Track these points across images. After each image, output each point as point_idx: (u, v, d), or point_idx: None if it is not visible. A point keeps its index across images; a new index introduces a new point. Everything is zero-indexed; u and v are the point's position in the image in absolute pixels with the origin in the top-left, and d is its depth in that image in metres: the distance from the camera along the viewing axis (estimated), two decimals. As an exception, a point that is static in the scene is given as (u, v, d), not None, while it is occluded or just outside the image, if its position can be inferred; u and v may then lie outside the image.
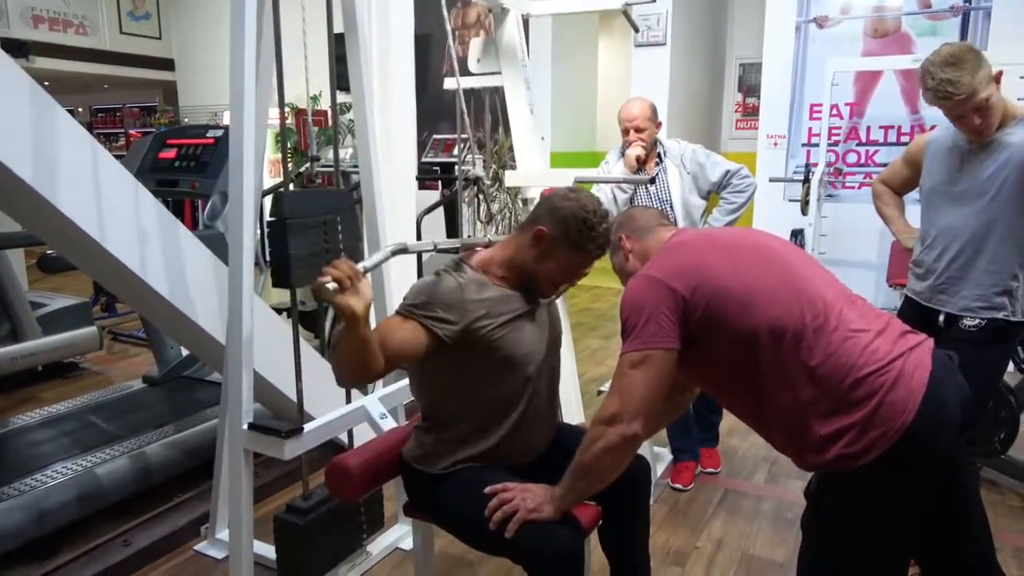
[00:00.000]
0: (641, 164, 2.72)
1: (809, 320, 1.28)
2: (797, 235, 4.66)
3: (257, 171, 2.02)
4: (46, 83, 9.42)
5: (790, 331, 1.27)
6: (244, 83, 1.79)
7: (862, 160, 5.35)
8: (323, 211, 1.95)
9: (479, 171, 2.96)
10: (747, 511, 2.66)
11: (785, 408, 1.29)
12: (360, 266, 1.43)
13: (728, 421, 3.15)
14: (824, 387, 1.26)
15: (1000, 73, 1.81)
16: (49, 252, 3.06)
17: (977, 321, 1.92)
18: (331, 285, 1.35)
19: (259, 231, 7.21)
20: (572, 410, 2.83)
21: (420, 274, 3.46)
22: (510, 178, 3.01)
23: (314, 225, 1.91)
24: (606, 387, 3.36)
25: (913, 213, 2.28)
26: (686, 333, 1.33)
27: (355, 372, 1.47)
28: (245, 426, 1.82)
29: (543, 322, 1.71)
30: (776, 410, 1.31)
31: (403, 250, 1.70)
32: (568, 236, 1.60)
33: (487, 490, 1.52)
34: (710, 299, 1.31)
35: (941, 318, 1.99)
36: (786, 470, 2.98)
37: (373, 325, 1.51)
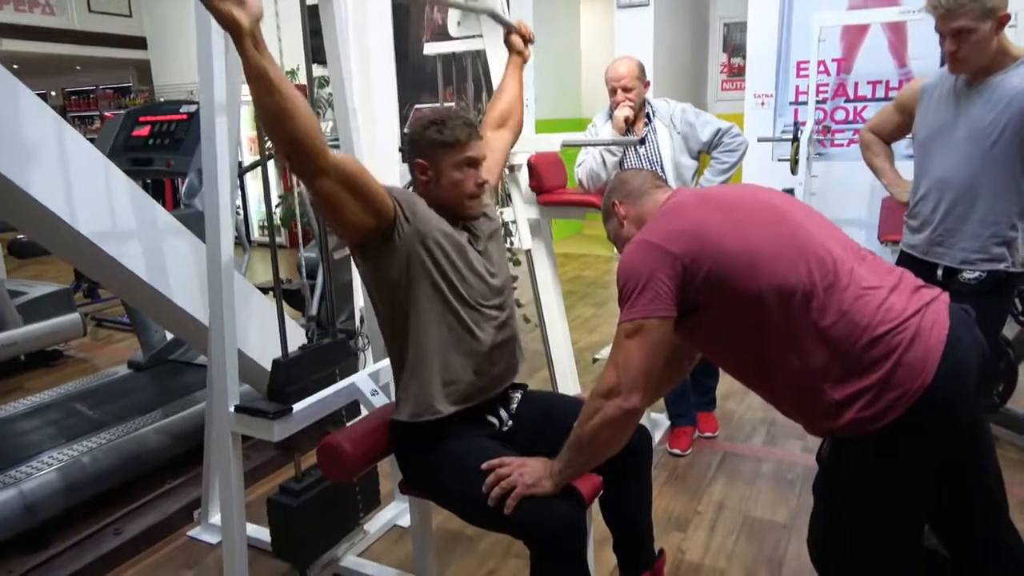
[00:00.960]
0: (630, 125, 2.65)
1: (819, 278, 1.23)
2: (787, 194, 4.60)
3: (232, 147, 1.94)
4: (15, 66, 9.20)
5: (799, 291, 1.22)
6: (212, 58, 1.71)
7: (850, 117, 5.28)
8: (322, 369, 2.00)
9: None
10: (747, 474, 2.64)
11: (795, 373, 1.25)
12: None
13: (725, 384, 3.12)
14: (837, 349, 1.21)
15: (1007, 16, 1.74)
16: (19, 237, 2.96)
17: (977, 274, 1.88)
18: None
19: (243, 210, 7.03)
20: (567, 380, 2.80)
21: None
22: (495, 145, 2.92)
23: (314, 383, 1.94)
24: (602, 354, 3.34)
25: (904, 168, 2.23)
26: (687, 299, 1.28)
27: (277, 123, 1.27)
28: (232, 408, 1.76)
29: (488, 263, 1.65)
30: (786, 375, 1.27)
31: None
32: (430, 143, 1.58)
33: (484, 466, 1.48)
34: (712, 262, 1.26)
35: (939, 272, 1.95)
36: (784, 431, 2.97)
37: None
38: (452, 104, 1.51)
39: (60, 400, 3.07)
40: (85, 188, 1.93)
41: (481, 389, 1.62)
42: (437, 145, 1.58)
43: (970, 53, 1.76)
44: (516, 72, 2.11)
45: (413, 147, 1.61)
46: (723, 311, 1.29)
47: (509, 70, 2.11)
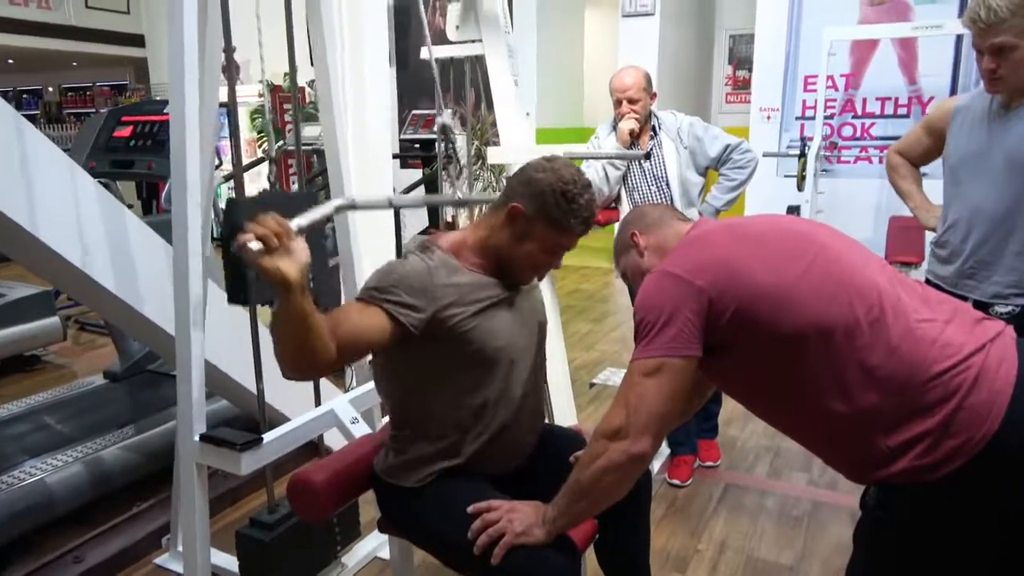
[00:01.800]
0: (635, 138, 2.53)
1: (862, 313, 1.09)
2: (793, 212, 4.49)
3: (205, 150, 1.80)
4: (9, 60, 9.07)
5: (840, 328, 1.09)
6: (184, 54, 1.59)
7: (858, 133, 5.17)
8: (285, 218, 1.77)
9: (446, 119, 2.73)
10: (750, 508, 2.50)
11: (840, 418, 1.11)
12: (293, 224, 1.19)
13: (727, 410, 2.98)
14: (888, 390, 1.07)
15: None
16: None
17: (1010, 308, 1.74)
18: (255, 245, 1.10)
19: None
20: (562, 404, 2.65)
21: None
22: (493, 155, 2.80)
23: None
24: (600, 379, 3.22)
25: (930, 189, 2.10)
26: (713, 338, 1.15)
27: (298, 357, 1.24)
28: (196, 437, 1.61)
29: (524, 311, 1.52)
30: (828, 421, 1.13)
31: (350, 206, 1.47)
32: (547, 212, 1.40)
33: (470, 509, 1.35)
34: (741, 298, 1.12)
35: (971, 307, 1.81)
36: (789, 462, 2.83)
37: None
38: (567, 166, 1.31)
39: (29, 412, 2.91)
40: (47, 192, 1.79)
41: (504, 462, 1.50)
42: (549, 217, 1.40)
43: (1010, 72, 1.62)
44: None
45: (526, 190, 1.41)
46: (755, 352, 1.16)
47: None
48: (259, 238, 1.11)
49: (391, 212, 3.17)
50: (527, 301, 1.55)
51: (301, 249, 1.17)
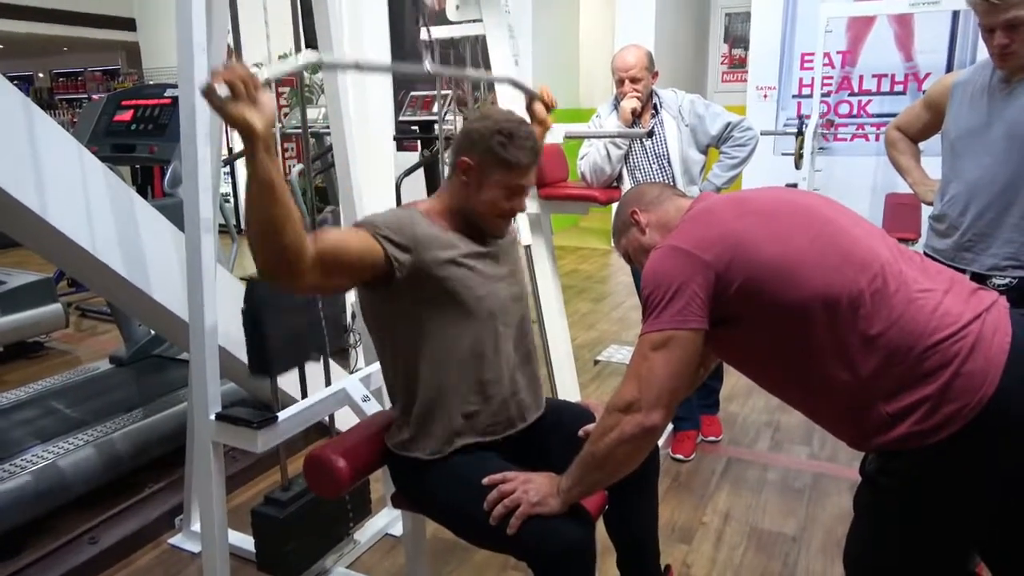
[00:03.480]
0: (636, 117, 2.53)
1: (865, 284, 1.12)
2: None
3: (214, 132, 1.81)
4: (0, 45, 8.96)
5: (844, 299, 1.11)
6: (192, 37, 1.58)
7: (854, 111, 5.18)
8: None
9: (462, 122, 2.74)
10: (752, 481, 2.54)
11: (843, 386, 1.14)
12: (261, 74, 1.15)
13: (728, 385, 3.02)
14: (889, 359, 1.10)
15: None
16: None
17: (1008, 280, 1.77)
18: (222, 88, 1.08)
19: (233, 198, 6.89)
20: (566, 381, 2.68)
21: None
22: (495, 135, 2.80)
23: (293, 308, 1.81)
24: (604, 356, 3.25)
25: (928, 165, 2.12)
26: (720, 311, 1.17)
27: (268, 235, 1.18)
28: (212, 416, 1.64)
29: (503, 270, 1.55)
30: (832, 389, 1.16)
31: (318, 62, 1.45)
32: (492, 153, 1.44)
33: (485, 481, 1.37)
34: (748, 271, 1.14)
35: (967, 278, 1.83)
36: (790, 436, 2.87)
37: None
38: (502, 106, 1.34)
39: (37, 397, 2.93)
40: (57, 176, 1.79)
41: (508, 420, 1.52)
42: (494, 158, 1.44)
43: (1023, 46, 1.64)
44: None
45: (466, 143, 1.46)
46: (761, 323, 1.18)
47: None
48: (226, 82, 1.10)
49: (393, 193, 3.18)
50: (506, 263, 1.58)
51: (268, 102, 1.15)
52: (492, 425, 1.49)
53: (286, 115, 5.36)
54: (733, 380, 3.13)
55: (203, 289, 1.64)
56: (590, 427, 1.50)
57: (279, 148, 3.07)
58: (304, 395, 1.99)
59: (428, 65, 1.65)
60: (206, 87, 1.09)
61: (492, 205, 1.48)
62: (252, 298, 1.73)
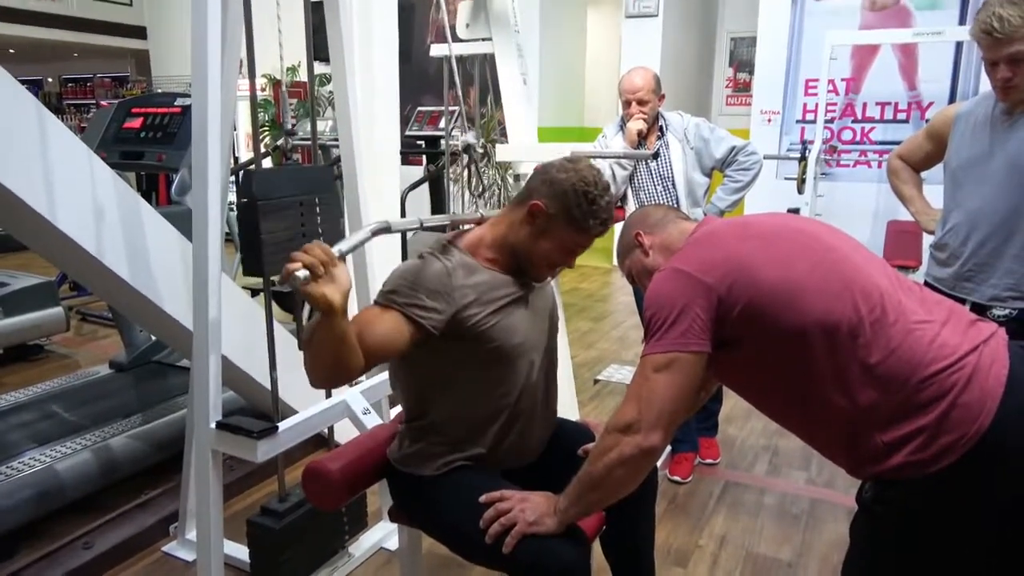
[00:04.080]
0: (642, 138, 2.55)
1: (865, 312, 1.13)
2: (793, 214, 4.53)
3: (224, 142, 1.83)
4: (10, 50, 9.04)
5: (844, 326, 1.12)
6: (207, 48, 1.60)
7: (857, 137, 5.22)
8: (300, 191, 1.79)
9: (470, 138, 2.76)
10: (749, 505, 2.54)
11: (841, 413, 1.14)
12: (336, 249, 1.24)
13: (726, 408, 3.02)
14: (887, 388, 1.11)
15: None
16: (-3, 230, 2.84)
17: (1008, 311, 1.78)
18: (302, 273, 1.15)
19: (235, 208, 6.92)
20: (566, 399, 2.68)
21: (405, 256, 3.28)
22: (501, 152, 2.83)
23: (289, 206, 1.74)
24: (604, 376, 3.25)
25: (930, 193, 2.14)
26: (721, 334, 1.18)
27: (333, 372, 1.29)
28: (212, 425, 1.64)
29: (538, 308, 1.56)
30: (830, 416, 1.16)
31: (386, 229, 1.51)
32: (567, 211, 1.43)
33: (483, 498, 1.37)
34: (750, 295, 1.15)
35: (967, 308, 1.84)
36: (788, 460, 2.87)
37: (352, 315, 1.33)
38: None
39: (36, 400, 2.93)
40: (66, 181, 1.81)
41: (519, 457, 1.53)
42: (569, 217, 1.43)
43: None
44: None
45: (548, 190, 1.44)
46: (761, 347, 1.18)
47: None
48: (306, 266, 1.16)
49: (398, 205, 3.20)
50: (540, 297, 1.58)
51: (344, 274, 1.22)
52: (501, 458, 1.50)
53: (294, 126, 5.39)
54: (732, 402, 3.13)
55: (208, 297, 1.65)
56: (589, 446, 1.49)
57: (285, 159, 3.10)
58: (329, 395, 1.97)
59: (481, 212, 1.77)
60: (285, 273, 1.16)
61: (547, 257, 1.48)
62: (248, 191, 1.67)
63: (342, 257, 1.25)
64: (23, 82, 1.76)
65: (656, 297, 1.21)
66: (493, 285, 1.46)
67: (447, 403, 1.47)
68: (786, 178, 5.02)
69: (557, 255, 1.48)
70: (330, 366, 1.27)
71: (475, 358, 1.44)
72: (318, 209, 1.83)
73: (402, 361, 1.50)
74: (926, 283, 2.00)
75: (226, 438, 1.63)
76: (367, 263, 2.12)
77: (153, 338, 3.27)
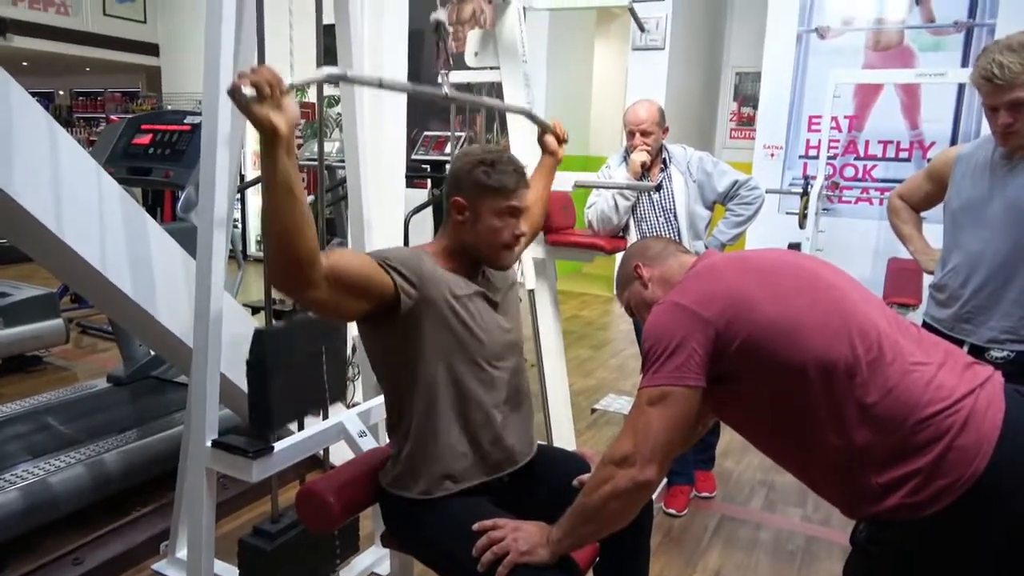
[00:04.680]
0: (645, 170, 2.58)
1: (862, 352, 1.13)
2: (794, 249, 4.54)
3: (232, 162, 1.84)
4: (24, 63, 9.14)
5: (841, 365, 1.12)
6: (219, 67, 1.62)
7: (859, 175, 5.25)
8: (309, 344, 1.84)
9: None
10: (744, 541, 2.51)
11: (836, 453, 1.14)
12: (288, 83, 1.18)
13: (724, 441, 3.01)
14: (883, 429, 1.11)
15: None
16: (1, 241, 2.86)
17: (1005, 353, 1.78)
18: (248, 90, 1.11)
19: (241, 224, 6.96)
20: (562, 428, 2.68)
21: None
22: (505, 180, 2.84)
23: (298, 363, 1.80)
24: (601, 404, 3.24)
25: (931, 232, 2.15)
26: (718, 368, 1.18)
27: (285, 237, 1.19)
28: (208, 443, 1.64)
29: (502, 305, 1.59)
30: (825, 455, 1.16)
31: (342, 76, 1.47)
32: (474, 183, 1.48)
33: (476, 527, 1.37)
34: (748, 330, 1.16)
35: (965, 349, 1.85)
36: (784, 496, 2.85)
37: None
38: (495, 144, 1.41)
39: (31, 412, 2.92)
40: (73, 195, 1.82)
41: (496, 464, 1.52)
42: (482, 187, 1.48)
43: None
44: (547, 173, 2.03)
45: (454, 183, 1.51)
46: (758, 383, 1.19)
47: (540, 170, 2.03)
48: (252, 84, 1.12)
49: (401, 229, 3.21)
50: (504, 296, 1.60)
51: (292, 106, 1.18)
52: (479, 468, 1.49)
53: (300, 147, 5.44)
54: (729, 436, 3.12)
55: (210, 315, 1.65)
56: (585, 477, 1.50)
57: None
58: (301, 427, 1.98)
59: (446, 88, 1.70)
60: (232, 87, 1.11)
61: (492, 234, 1.50)
62: (260, 349, 1.69)
63: (292, 89, 1.20)
64: (35, 94, 1.78)
65: (654, 330, 1.21)
66: (456, 282, 1.50)
67: (419, 403, 1.47)
68: (788, 212, 5.05)
69: (500, 229, 1.50)
70: (280, 226, 1.18)
71: (438, 349, 1.45)
72: (324, 359, 1.88)
73: (377, 362, 1.52)
74: (924, 323, 2.01)
75: (221, 457, 1.63)
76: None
77: (152, 353, 3.27)
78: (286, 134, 1.16)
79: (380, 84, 1.53)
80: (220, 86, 1.63)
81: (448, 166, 1.55)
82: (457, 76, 3.06)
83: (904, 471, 1.09)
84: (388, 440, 1.58)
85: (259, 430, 1.69)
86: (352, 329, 2.68)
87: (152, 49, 9.36)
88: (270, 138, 1.15)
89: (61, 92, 11.40)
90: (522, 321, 1.67)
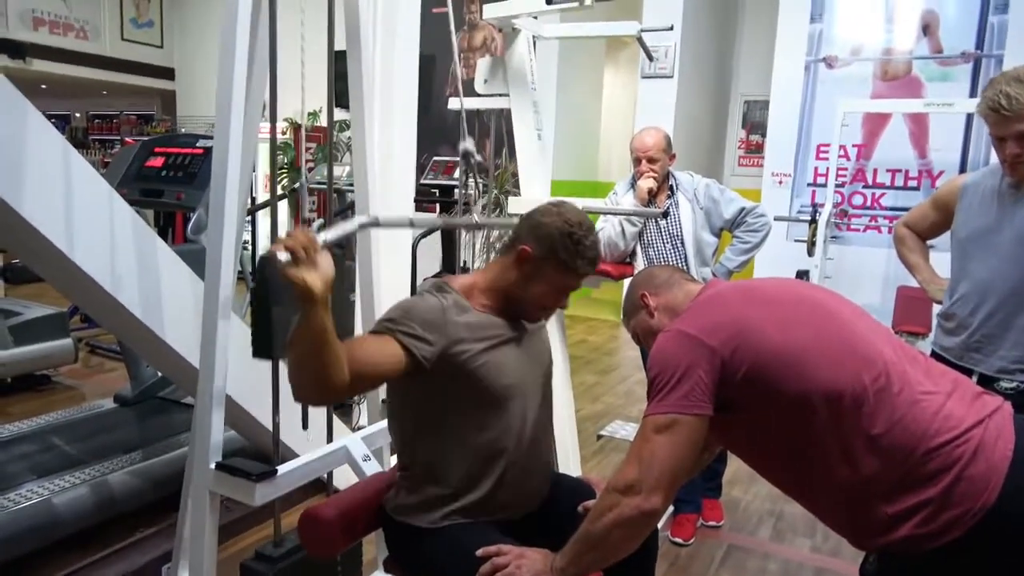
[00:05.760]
0: (652, 197, 2.59)
1: (868, 381, 1.12)
2: (802, 276, 4.53)
3: (243, 183, 1.86)
4: (43, 86, 9.32)
5: (847, 395, 1.12)
6: (232, 91, 1.65)
7: (868, 203, 5.25)
8: None
9: (469, 146, 2.80)
10: (752, 571, 2.48)
11: (843, 483, 1.14)
12: (320, 237, 1.25)
13: (731, 470, 2.98)
14: (891, 459, 1.10)
15: None
16: (15, 261, 2.89)
17: (1016, 384, 1.77)
18: (283, 255, 1.16)
19: (251, 246, 7.03)
20: (568, 454, 2.65)
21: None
22: (513, 205, 2.86)
23: None
24: (607, 431, 3.23)
25: (939, 261, 2.14)
26: (724, 396, 1.18)
27: (313, 377, 1.26)
28: (212, 466, 1.63)
29: (532, 352, 1.56)
30: (833, 486, 1.15)
31: (374, 223, 1.51)
32: (554, 253, 1.47)
33: (480, 552, 1.36)
34: (754, 359, 1.16)
35: (974, 379, 1.83)
36: (792, 526, 2.81)
37: None
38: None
39: (38, 431, 2.92)
40: (86, 217, 1.85)
41: (506, 504, 1.50)
42: (557, 259, 1.47)
43: None
44: None
45: (532, 234, 1.48)
46: (764, 412, 1.18)
47: None
48: (288, 249, 1.17)
49: (409, 253, 3.23)
50: (534, 343, 1.59)
51: (327, 263, 1.22)
52: (489, 506, 1.48)
53: (311, 170, 5.50)
54: (736, 464, 3.08)
55: (217, 337, 1.66)
56: (590, 503, 1.48)
57: (299, 203, 3.15)
58: (305, 425, 1.98)
59: (476, 216, 1.75)
60: (268, 254, 1.17)
61: (539, 299, 1.51)
62: (264, 275, 1.69)
63: (326, 246, 1.25)
64: (51, 116, 1.81)
65: (660, 358, 1.22)
66: (485, 325, 1.48)
67: (438, 447, 1.46)
68: (796, 240, 5.04)
69: (549, 297, 1.51)
70: (311, 369, 1.25)
71: (464, 398, 1.44)
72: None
73: (394, 403, 1.51)
74: (933, 352, 1.99)
75: (224, 480, 1.62)
76: (376, 304, 2.13)
77: (159, 374, 3.28)
78: (322, 294, 1.20)
79: (411, 224, 1.59)
80: (232, 110, 1.66)
81: (534, 214, 1.51)
82: (468, 103, 3.09)
83: (913, 502, 1.08)
84: (393, 464, 1.57)
85: (259, 354, 1.70)
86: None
87: (168, 73, 9.53)
88: (307, 297, 1.19)
89: (78, 114, 11.60)
90: (550, 356, 1.65)
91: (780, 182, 5.51)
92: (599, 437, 3.50)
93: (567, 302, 1.55)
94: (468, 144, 2.83)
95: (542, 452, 1.58)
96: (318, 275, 1.19)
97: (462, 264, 4.55)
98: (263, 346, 1.70)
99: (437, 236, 4.33)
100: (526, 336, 1.56)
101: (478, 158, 2.38)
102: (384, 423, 2.00)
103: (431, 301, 1.46)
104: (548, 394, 1.61)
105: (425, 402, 1.46)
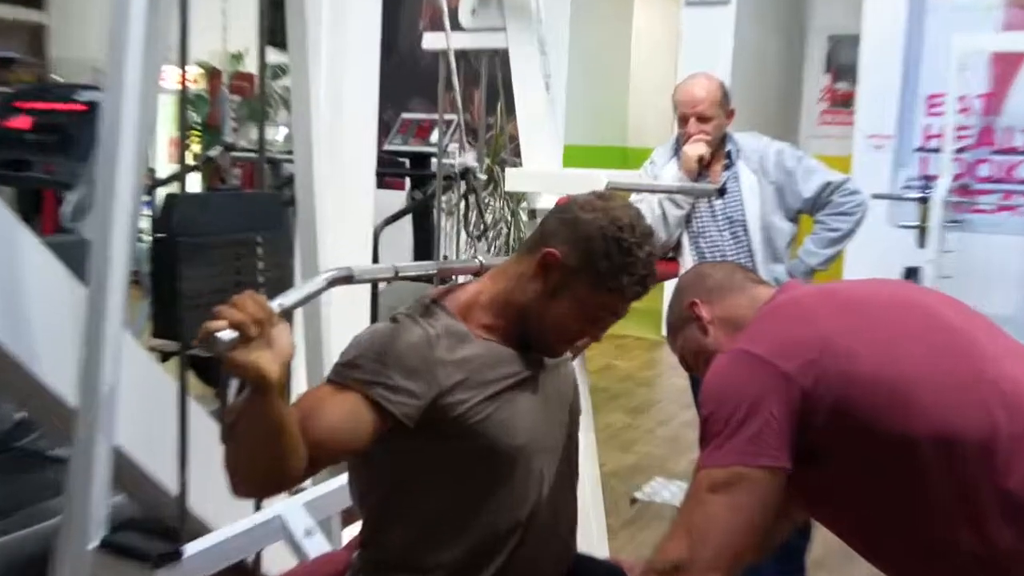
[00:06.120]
0: (704, 167, 2.59)
1: (1004, 421, 1.14)
2: (911, 276, 4.55)
3: (140, 151, 1.85)
4: None
5: (972, 437, 1.14)
6: (128, 25, 1.64)
7: (999, 174, 5.27)
8: (238, 226, 1.82)
9: (469, 161, 2.82)
10: None
11: (970, 558, 1.15)
12: (276, 303, 1.25)
13: (818, 546, 2.97)
14: None
15: None
16: None
17: None
18: (227, 334, 1.13)
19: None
20: (590, 525, 2.65)
21: (375, 317, 3.28)
22: (512, 179, 2.86)
23: (222, 247, 1.76)
24: (644, 493, 3.23)
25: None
26: (803, 442, 1.19)
27: (263, 474, 1.26)
28: (94, 543, 1.62)
29: (551, 395, 1.54)
30: (955, 563, 1.17)
31: (347, 278, 1.52)
32: (592, 264, 1.42)
33: None
34: (843, 391, 1.18)
35: None
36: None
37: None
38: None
39: None
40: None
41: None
42: (597, 272, 1.42)
43: None
44: None
45: (563, 231, 1.45)
46: (856, 463, 1.21)
47: None
48: (234, 325, 1.14)
49: (369, 243, 3.23)
50: (555, 380, 1.57)
51: (285, 337, 1.20)
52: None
53: (235, 131, 5.50)
54: (825, 538, 3.09)
55: (103, 362, 1.65)
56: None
57: (220, 180, 3.15)
58: (258, 506, 1.96)
59: (481, 258, 1.80)
60: (203, 334, 1.14)
61: (563, 323, 1.47)
62: (167, 224, 1.69)
63: (285, 314, 1.26)
64: None
65: (716, 389, 1.24)
66: (489, 362, 1.45)
67: (417, 525, 1.44)
68: (901, 226, 5.05)
69: (577, 323, 1.47)
70: (260, 466, 1.24)
71: (459, 462, 1.43)
72: (260, 252, 1.83)
73: (357, 459, 1.49)
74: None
75: (110, 563, 1.62)
76: (323, 325, 2.12)
77: (17, 417, 3.26)
78: (279, 380, 1.18)
79: (396, 274, 1.62)
80: (127, 50, 1.65)
81: (571, 206, 1.48)
82: (451, 41, 3.10)
83: None
84: (345, 540, 1.56)
85: (161, 333, 1.70)
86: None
87: (35, 1, 9.53)
88: (258, 387, 1.18)
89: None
90: (577, 395, 1.64)
91: (878, 146, 5.53)
92: (633, 501, 3.49)
93: (601, 334, 1.52)
94: (468, 159, 2.84)
95: (561, 531, 1.57)
96: (273, 356, 1.17)
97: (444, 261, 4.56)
98: (167, 322, 1.72)
99: (407, 222, 4.33)
100: (544, 372, 1.53)
101: (482, 177, 2.40)
102: (335, 482, 1.98)
103: (414, 334, 1.41)
104: (573, 452, 1.60)
105: (402, 465, 1.44)
